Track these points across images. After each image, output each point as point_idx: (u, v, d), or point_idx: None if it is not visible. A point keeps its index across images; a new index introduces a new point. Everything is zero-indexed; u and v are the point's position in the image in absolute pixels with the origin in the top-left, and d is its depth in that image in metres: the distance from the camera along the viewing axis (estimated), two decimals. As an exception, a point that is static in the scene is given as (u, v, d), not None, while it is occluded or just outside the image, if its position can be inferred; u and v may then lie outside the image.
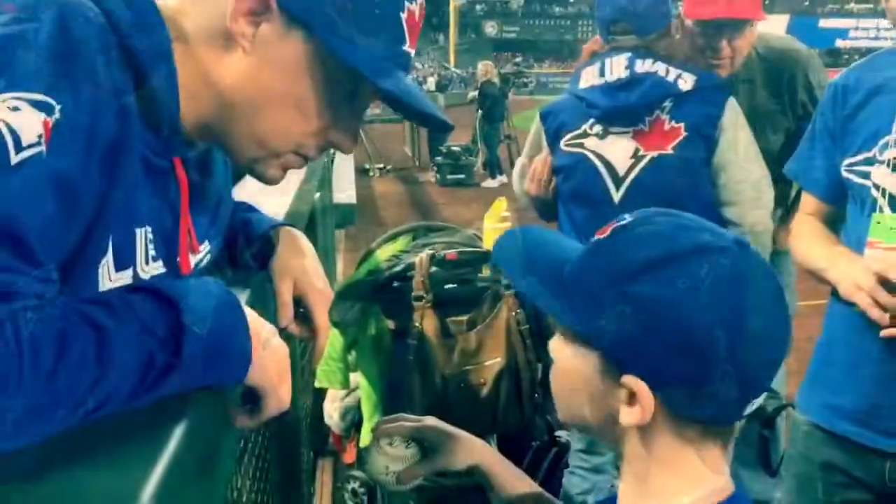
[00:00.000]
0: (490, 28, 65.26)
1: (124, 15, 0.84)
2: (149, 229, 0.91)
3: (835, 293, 1.66)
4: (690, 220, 0.88)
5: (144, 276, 0.91)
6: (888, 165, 1.56)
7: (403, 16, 0.92)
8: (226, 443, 0.93)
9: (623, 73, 2.30)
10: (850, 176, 1.65)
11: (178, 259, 0.98)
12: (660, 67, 2.28)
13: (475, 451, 1.22)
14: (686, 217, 0.88)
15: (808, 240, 1.73)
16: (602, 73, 2.35)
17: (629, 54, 2.31)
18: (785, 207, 2.90)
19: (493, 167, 12.56)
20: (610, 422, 0.86)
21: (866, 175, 1.60)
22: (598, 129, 2.38)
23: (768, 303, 0.84)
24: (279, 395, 0.93)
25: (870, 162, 1.60)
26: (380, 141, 14.78)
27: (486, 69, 13.05)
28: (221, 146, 0.99)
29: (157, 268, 0.93)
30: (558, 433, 2.89)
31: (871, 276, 1.46)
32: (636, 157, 2.32)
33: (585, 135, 2.41)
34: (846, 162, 1.66)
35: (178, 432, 0.72)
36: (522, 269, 0.93)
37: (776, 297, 0.85)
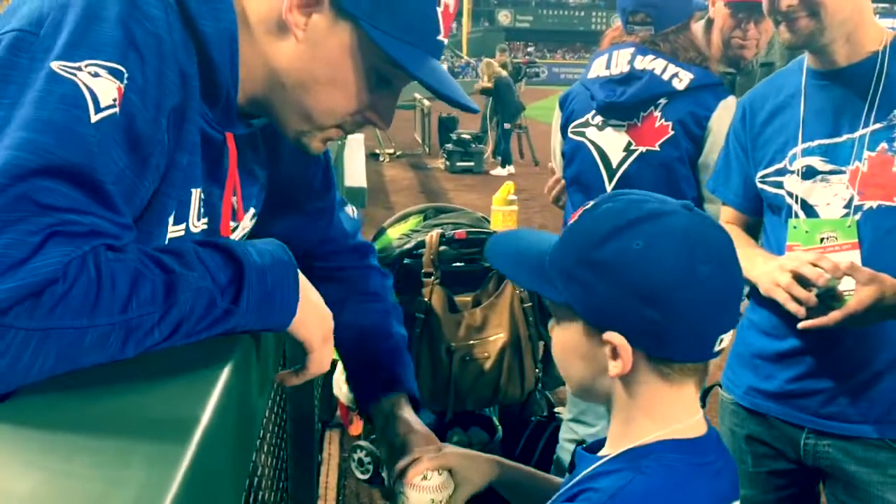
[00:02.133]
0: (503, 17, 65.11)
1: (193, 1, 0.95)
2: (201, 191, 1.03)
3: (753, 290, 1.78)
4: (642, 194, 1.00)
5: (195, 230, 1.03)
6: (798, 174, 1.69)
7: (440, 9, 1.03)
8: (258, 395, 1.05)
9: (624, 68, 2.39)
10: (765, 186, 1.77)
11: (220, 221, 1.09)
12: (658, 65, 2.35)
13: (492, 468, 1.30)
14: (639, 193, 1.00)
15: None
16: (608, 66, 2.44)
17: (633, 49, 2.39)
18: None
19: (506, 156, 12.63)
20: (602, 378, 0.99)
21: (779, 185, 1.73)
22: (598, 119, 2.48)
23: (717, 251, 0.94)
24: (321, 355, 1.05)
25: (781, 172, 1.72)
26: (391, 127, 14.85)
27: (489, 69, 12.82)
28: (272, 120, 1.10)
29: (204, 224, 1.06)
30: (557, 409, 3.02)
31: (787, 274, 1.55)
32: (628, 150, 2.42)
33: (587, 124, 2.51)
34: (760, 174, 1.78)
35: (225, 372, 0.82)
36: (511, 261, 1.08)
37: (724, 246, 0.96)
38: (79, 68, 0.80)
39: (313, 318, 1.01)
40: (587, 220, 0.99)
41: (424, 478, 1.24)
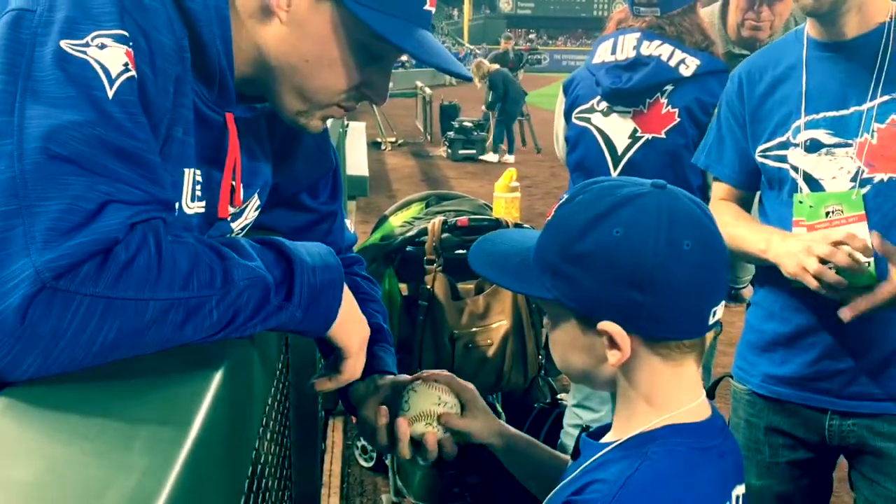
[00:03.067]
0: (505, 4, 64.84)
1: None
2: (198, 172, 1.03)
3: (765, 272, 1.76)
4: (614, 180, 0.99)
5: (189, 211, 1.03)
6: (802, 147, 1.65)
7: None
8: (258, 387, 1.04)
9: (630, 54, 2.34)
10: (766, 161, 1.73)
11: (218, 204, 1.08)
12: (665, 51, 2.32)
13: (497, 428, 1.27)
14: (610, 179, 1.00)
15: (732, 222, 1.79)
16: (613, 51, 2.41)
17: (639, 34, 2.36)
18: None
19: (511, 143, 12.60)
20: (603, 367, 0.99)
21: (783, 159, 1.69)
22: (603, 105, 2.46)
23: (696, 225, 0.94)
24: (356, 361, 1.07)
25: (784, 146, 1.69)
26: (392, 115, 14.84)
27: (480, 71, 12.49)
28: (269, 100, 1.10)
29: (200, 207, 1.05)
30: (560, 395, 3.02)
31: (814, 259, 1.50)
32: (633, 137, 2.40)
33: (592, 110, 2.49)
34: (760, 148, 1.74)
35: (227, 359, 0.82)
36: (495, 266, 1.06)
37: (702, 219, 0.95)
38: (87, 44, 0.80)
39: (353, 325, 1.03)
40: (564, 214, 0.99)
41: (442, 401, 1.19)
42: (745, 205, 1.87)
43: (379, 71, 1.08)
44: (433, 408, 1.18)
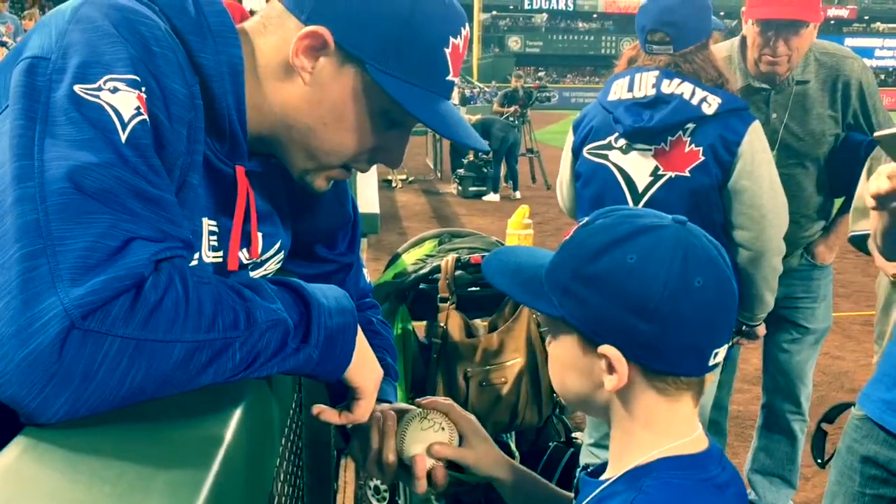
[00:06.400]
0: (513, 43, 65.54)
1: (187, 25, 0.95)
2: (213, 222, 1.03)
3: None
4: (635, 210, 1.01)
5: (208, 261, 1.03)
6: None
7: (448, 50, 1.02)
8: (276, 420, 1.04)
9: (650, 91, 2.32)
10: None
11: (228, 256, 1.08)
12: (686, 89, 2.30)
13: (500, 462, 1.26)
14: (632, 209, 1.02)
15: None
16: (630, 88, 2.40)
17: (657, 72, 2.35)
18: (826, 222, 2.94)
19: (514, 180, 12.66)
20: (599, 392, 0.99)
21: None
22: (622, 142, 2.44)
23: (710, 264, 0.94)
24: (369, 403, 1.07)
25: None
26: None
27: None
28: (278, 156, 1.10)
29: (217, 257, 1.05)
30: (574, 434, 2.99)
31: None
32: (655, 175, 2.38)
33: (610, 147, 2.47)
34: None
35: (243, 401, 0.82)
36: (506, 276, 1.07)
37: (717, 259, 0.95)
38: (99, 88, 0.81)
39: (368, 367, 1.04)
40: (582, 236, 1.00)
41: (438, 429, 1.19)
42: None
43: (396, 136, 1.09)
44: (426, 438, 1.18)
